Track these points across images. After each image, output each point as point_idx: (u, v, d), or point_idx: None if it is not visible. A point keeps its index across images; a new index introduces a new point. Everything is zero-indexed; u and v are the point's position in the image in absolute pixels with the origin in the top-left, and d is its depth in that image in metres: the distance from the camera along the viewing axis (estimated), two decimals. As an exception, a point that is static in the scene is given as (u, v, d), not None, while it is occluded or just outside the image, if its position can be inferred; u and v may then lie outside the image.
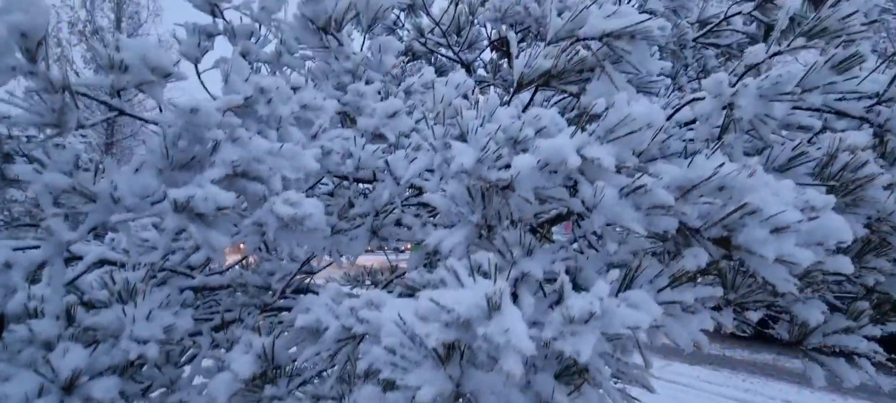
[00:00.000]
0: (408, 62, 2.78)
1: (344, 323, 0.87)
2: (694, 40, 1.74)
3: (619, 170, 0.80)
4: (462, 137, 1.09)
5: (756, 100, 0.89)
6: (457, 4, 2.44)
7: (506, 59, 2.96)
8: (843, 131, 0.94)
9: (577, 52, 1.18)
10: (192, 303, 1.25)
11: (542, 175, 0.83)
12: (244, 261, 1.77)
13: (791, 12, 0.99)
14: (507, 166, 0.88)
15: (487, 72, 2.90)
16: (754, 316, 0.92)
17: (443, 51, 2.70)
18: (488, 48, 2.87)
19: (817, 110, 0.93)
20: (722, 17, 2.13)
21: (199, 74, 1.41)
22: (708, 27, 2.04)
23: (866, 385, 5.93)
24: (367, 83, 1.52)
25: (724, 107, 0.94)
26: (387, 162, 1.22)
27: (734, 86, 0.91)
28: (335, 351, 0.89)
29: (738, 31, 2.01)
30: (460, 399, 0.69)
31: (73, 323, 1.03)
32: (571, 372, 0.77)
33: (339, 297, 0.93)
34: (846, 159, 0.87)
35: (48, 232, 0.93)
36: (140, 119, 1.14)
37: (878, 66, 0.90)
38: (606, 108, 0.79)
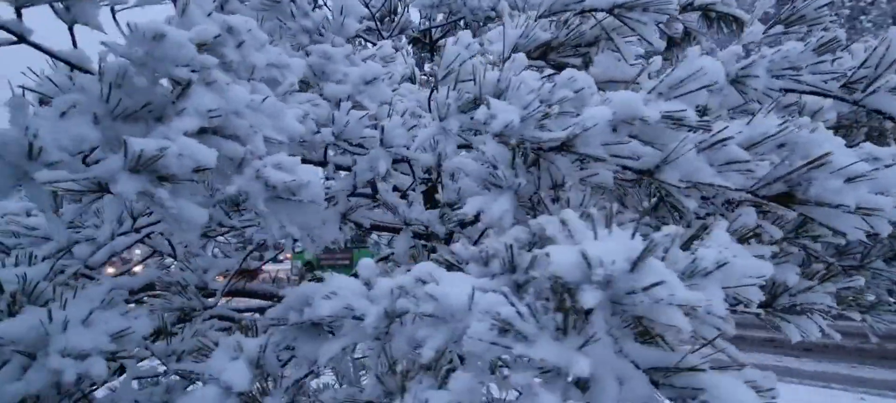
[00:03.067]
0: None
1: (387, 306, 0.71)
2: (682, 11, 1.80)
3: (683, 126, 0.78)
4: (477, 101, 1.00)
5: (766, 74, 0.95)
6: (392, -15, 2.31)
7: (430, 53, 2.90)
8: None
9: (579, 24, 1.16)
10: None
11: (607, 131, 0.77)
12: (156, 258, 1.42)
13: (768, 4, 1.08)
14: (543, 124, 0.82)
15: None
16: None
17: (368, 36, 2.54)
18: (410, 40, 2.77)
19: (801, 92, 1.03)
20: None
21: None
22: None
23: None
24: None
25: (733, 81, 0.99)
26: (383, 129, 1.06)
27: (743, 63, 0.96)
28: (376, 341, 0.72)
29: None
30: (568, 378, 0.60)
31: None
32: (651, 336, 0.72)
33: (370, 278, 0.76)
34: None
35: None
36: (51, 54, 0.81)
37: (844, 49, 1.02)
38: (672, 66, 0.77)
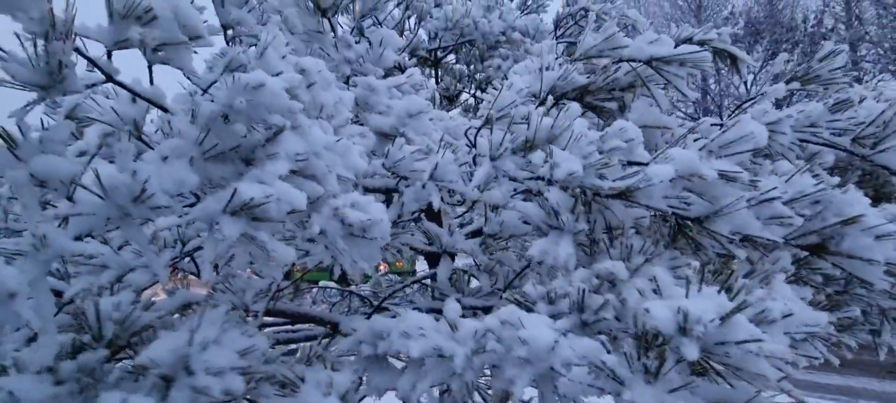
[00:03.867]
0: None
1: (473, 347, 0.77)
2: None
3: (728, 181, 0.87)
4: (526, 146, 1.06)
5: (790, 131, 1.06)
6: (406, 8, 2.37)
7: (434, 71, 2.96)
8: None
9: (615, 71, 1.25)
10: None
11: (668, 185, 0.85)
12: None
13: (784, 60, 1.20)
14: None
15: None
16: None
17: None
18: (416, 59, 2.83)
19: (817, 144, 1.14)
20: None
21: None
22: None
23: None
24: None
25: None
26: (437, 165, 1.12)
27: (771, 118, 1.06)
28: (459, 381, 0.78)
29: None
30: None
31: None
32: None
33: (455, 320, 0.81)
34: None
35: (38, 243, 0.62)
36: (135, 93, 0.84)
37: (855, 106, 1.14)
38: (721, 124, 0.86)
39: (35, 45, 0.63)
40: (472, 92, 3.20)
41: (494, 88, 1.43)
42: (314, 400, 0.78)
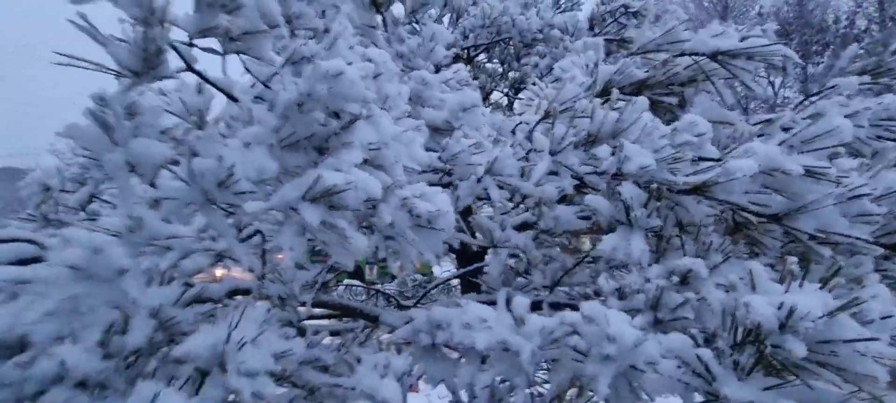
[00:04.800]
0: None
1: (541, 343, 0.75)
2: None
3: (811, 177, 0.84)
4: (589, 140, 1.05)
5: (867, 124, 1.02)
6: (444, 5, 2.37)
7: (469, 66, 2.95)
8: None
9: (675, 65, 1.22)
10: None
11: (748, 180, 0.83)
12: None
13: (852, 54, 1.15)
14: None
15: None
16: None
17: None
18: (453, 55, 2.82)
19: (890, 139, 1.10)
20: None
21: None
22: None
23: None
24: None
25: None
26: (496, 158, 1.11)
27: (849, 111, 1.03)
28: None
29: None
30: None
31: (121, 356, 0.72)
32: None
33: (523, 315, 0.80)
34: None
35: (133, 224, 0.63)
36: (209, 81, 0.85)
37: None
38: (808, 118, 0.83)
39: (132, 31, 0.64)
40: (505, 90, 3.18)
41: (538, 85, 1.42)
42: (370, 381, 0.78)
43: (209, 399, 0.73)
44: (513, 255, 1.32)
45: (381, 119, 0.89)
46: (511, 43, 2.54)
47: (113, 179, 0.65)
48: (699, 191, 0.87)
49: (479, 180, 1.18)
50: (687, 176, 0.87)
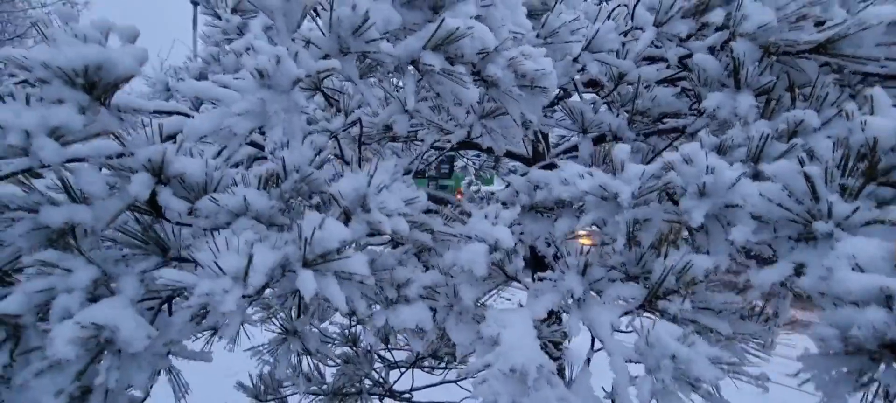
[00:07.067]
0: None
1: (640, 186, 0.81)
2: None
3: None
4: (698, 8, 1.01)
5: None
6: None
7: None
8: None
9: None
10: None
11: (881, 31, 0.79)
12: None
13: None
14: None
15: None
16: None
17: None
18: None
19: None
20: None
21: None
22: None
23: None
24: None
25: None
26: (597, 31, 1.12)
27: None
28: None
29: None
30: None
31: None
32: None
33: (624, 160, 0.85)
34: None
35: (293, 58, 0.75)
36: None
37: None
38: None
39: None
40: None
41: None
42: (483, 227, 0.89)
43: (357, 231, 0.88)
44: (600, 139, 1.34)
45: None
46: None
47: (273, 20, 0.78)
48: (822, 50, 0.84)
49: (575, 59, 1.20)
50: (812, 34, 0.84)
